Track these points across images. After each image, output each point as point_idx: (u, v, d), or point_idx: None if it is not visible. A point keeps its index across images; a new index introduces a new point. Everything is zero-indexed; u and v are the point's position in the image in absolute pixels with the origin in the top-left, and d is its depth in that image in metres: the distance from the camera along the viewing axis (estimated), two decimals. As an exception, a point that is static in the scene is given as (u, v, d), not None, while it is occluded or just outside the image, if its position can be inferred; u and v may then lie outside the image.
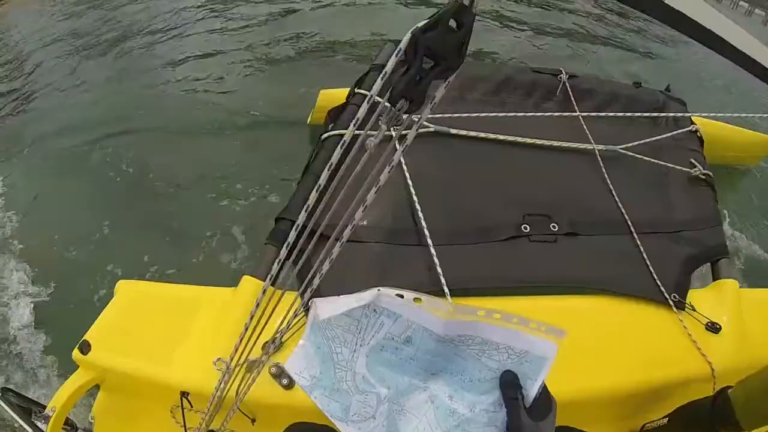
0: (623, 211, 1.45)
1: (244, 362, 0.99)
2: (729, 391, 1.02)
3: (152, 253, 2.55)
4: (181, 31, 4.85)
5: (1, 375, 2.26)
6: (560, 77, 1.77)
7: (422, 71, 0.52)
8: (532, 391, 0.65)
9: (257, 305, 0.89)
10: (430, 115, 1.48)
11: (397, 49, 0.53)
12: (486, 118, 1.54)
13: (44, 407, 1.19)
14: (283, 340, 1.12)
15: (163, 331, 1.24)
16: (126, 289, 1.41)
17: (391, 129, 1.46)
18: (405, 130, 0.71)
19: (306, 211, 0.90)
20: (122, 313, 1.34)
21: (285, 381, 1.06)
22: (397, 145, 1.31)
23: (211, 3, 5.32)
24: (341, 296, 0.68)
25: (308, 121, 2.64)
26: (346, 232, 0.77)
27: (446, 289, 1.13)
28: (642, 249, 1.38)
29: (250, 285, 1.21)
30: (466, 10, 0.51)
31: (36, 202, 3.12)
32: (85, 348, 1.25)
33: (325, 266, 0.78)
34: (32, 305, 2.48)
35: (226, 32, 4.71)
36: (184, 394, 1.13)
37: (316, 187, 0.76)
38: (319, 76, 3.63)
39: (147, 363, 1.19)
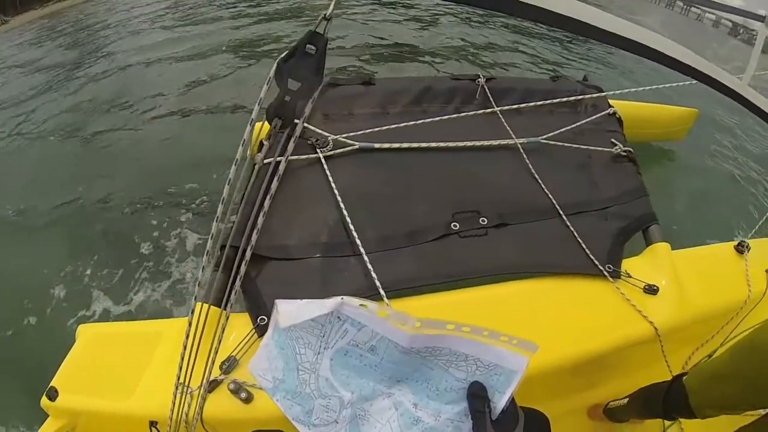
0: (550, 196, 1.52)
1: (202, 383, 1.02)
2: (684, 378, 1.02)
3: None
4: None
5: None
6: (478, 81, 1.86)
7: (288, 92, 0.58)
8: (499, 404, 0.64)
9: (197, 328, 0.92)
10: (353, 133, 1.56)
11: (268, 78, 0.60)
12: (408, 127, 1.60)
13: None
14: (237, 357, 1.16)
15: (127, 366, 1.26)
16: (87, 331, 1.42)
17: (318, 150, 1.52)
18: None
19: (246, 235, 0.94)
20: (85, 355, 1.35)
21: (243, 395, 1.09)
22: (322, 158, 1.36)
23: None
24: (303, 300, 0.67)
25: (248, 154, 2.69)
26: (254, 238, 0.81)
27: (382, 292, 1.18)
28: (572, 229, 1.45)
29: (204, 311, 1.23)
30: (318, 36, 0.58)
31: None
32: (53, 394, 1.25)
33: (237, 283, 0.83)
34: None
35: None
36: (152, 424, 1.15)
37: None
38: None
39: (113, 399, 1.21)
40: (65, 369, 1.32)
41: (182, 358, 0.96)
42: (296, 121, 0.66)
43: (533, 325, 1.25)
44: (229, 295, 0.91)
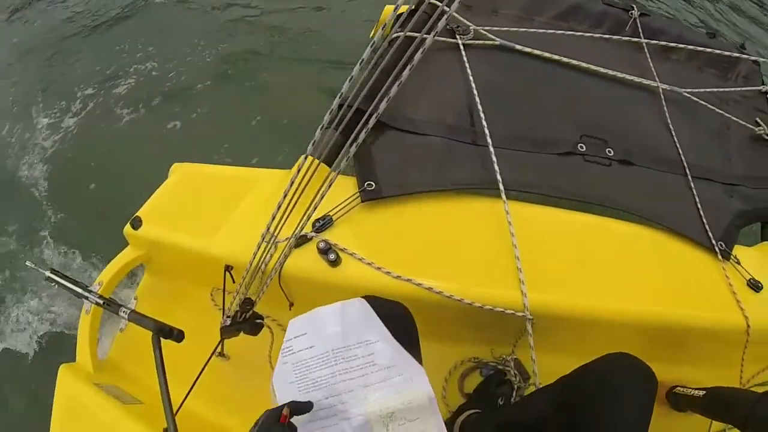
0: (680, 151, 1.40)
1: (292, 234, 0.99)
2: None
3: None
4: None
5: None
6: (631, 13, 1.69)
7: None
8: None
9: (297, 174, 0.88)
10: (495, 28, 1.44)
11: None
12: (552, 37, 1.50)
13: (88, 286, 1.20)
14: (334, 218, 1.12)
15: (214, 207, 1.24)
16: (181, 169, 1.41)
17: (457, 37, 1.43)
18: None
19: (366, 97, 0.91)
20: (175, 192, 1.36)
21: (332, 257, 1.06)
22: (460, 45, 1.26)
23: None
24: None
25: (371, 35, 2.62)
26: (382, 105, 0.77)
27: (501, 187, 1.13)
28: (695, 192, 1.34)
29: (312, 166, 1.21)
30: None
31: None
32: (137, 223, 1.27)
33: (361, 136, 0.80)
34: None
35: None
36: (227, 268, 1.12)
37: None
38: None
39: (193, 236, 1.19)
40: (153, 201, 1.34)
41: (278, 207, 0.93)
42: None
43: (629, 270, 1.18)
44: (344, 155, 0.87)
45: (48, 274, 1.11)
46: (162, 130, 2.93)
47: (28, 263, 1.18)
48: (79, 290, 1.09)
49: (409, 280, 1.05)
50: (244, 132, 2.86)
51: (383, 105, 0.77)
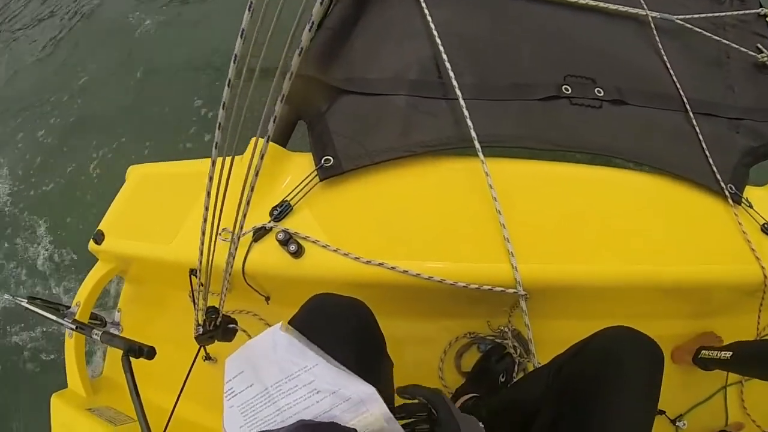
0: (678, 86, 1.24)
1: (234, 229, 0.87)
2: None
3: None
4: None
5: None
6: None
7: None
8: None
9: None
10: None
11: None
12: None
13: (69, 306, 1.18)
14: (292, 203, 1.00)
15: (172, 210, 1.17)
16: (136, 172, 1.35)
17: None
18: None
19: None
20: (132, 198, 1.31)
21: (293, 248, 0.94)
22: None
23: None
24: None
25: None
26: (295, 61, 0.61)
27: (477, 144, 0.98)
28: (698, 130, 1.19)
29: (259, 147, 1.08)
30: None
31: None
32: (99, 238, 1.24)
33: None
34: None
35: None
36: (192, 272, 1.05)
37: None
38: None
39: (154, 243, 1.14)
40: (112, 212, 1.30)
41: (212, 200, 0.77)
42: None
43: (631, 224, 1.04)
44: (268, 117, 0.71)
45: (25, 304, 1.10)
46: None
47: (5, 296, 1.21)
48: (54, 318, 1.08)
49: (381, 265, 0.91)
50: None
51: (296, 59, 0.60)
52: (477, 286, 0.89)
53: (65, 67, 3.58)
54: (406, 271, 0.89)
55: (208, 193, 0.72)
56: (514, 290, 0.90)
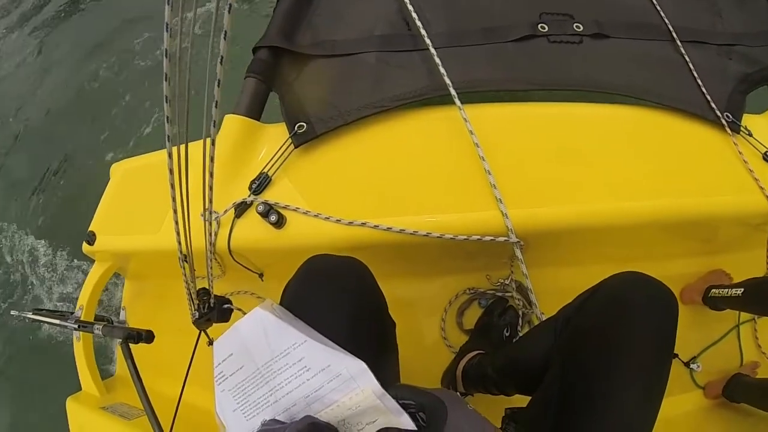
0: (662, 14, 1.17)
1: (205, 206, 0.84)
2: None
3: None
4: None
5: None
6: None
7: None
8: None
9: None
10: None
11: None
12: None
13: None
14: (270, 174, 0.98)
15: (157, 199, 1.15)
16: (118, 169, 1.35)
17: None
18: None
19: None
20: (118, 194, 1.31)
21: (273, 218, 0.92)
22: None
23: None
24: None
25: None
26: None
27: (453, 91, 0.93)
28: (687, 58, 1.12)
29: (234, 123, 1.05)
30: None
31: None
32: (92, 239, 1.25)
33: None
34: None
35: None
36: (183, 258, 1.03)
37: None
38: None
39: (143, 234, 1.14)
40: (101, 211, 1.31)
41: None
42: None
43: (624, 160, 0.98)
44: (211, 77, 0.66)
45: (31, 316, 1.12)
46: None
47: (12, 312, 1.18)
48: (58, 322, 1.08)
49: (363, 224, 0.87)
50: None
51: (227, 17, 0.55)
52: (465, 236, 0.85)
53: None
54: (390, 228, 0.85)
55: (172, 185, 0.68)
56: (506, 238, 0.85)
